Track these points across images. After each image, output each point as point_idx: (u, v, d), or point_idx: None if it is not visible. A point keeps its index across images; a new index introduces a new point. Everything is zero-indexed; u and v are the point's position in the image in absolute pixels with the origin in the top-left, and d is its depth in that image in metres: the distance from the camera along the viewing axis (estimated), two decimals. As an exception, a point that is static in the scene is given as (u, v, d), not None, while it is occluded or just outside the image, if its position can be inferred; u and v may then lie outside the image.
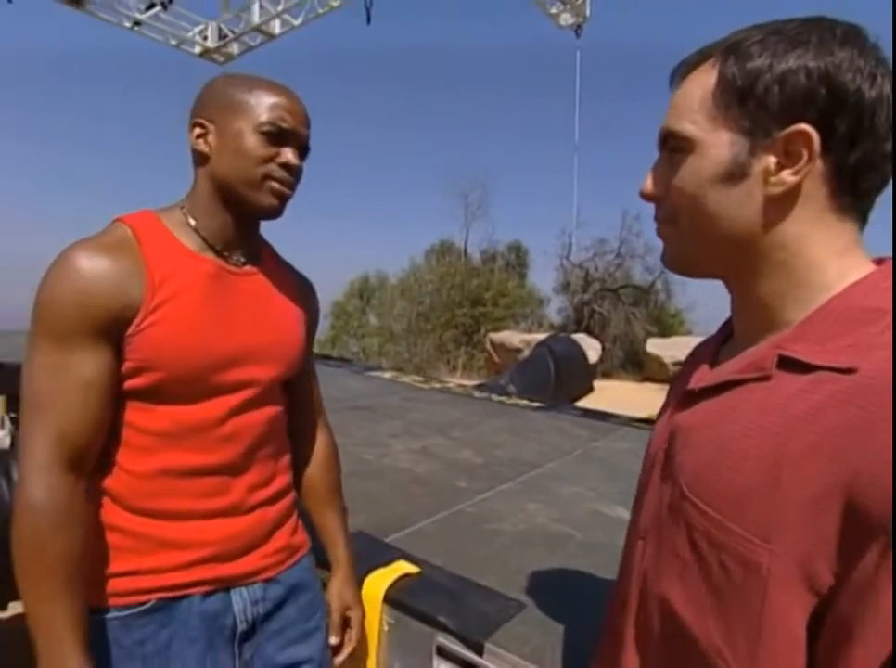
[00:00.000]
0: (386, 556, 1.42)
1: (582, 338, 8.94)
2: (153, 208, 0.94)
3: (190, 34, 6.01)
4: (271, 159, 0.89)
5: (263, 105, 0.88)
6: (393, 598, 1.25)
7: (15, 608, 2.17)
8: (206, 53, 6.13)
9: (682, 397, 0.61)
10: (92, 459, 0.86)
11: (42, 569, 0.79)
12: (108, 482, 0.89)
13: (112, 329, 0.83)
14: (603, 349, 11.04)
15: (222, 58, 6.29)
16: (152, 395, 0.88)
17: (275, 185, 0.90)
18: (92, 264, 0.82)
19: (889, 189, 0.53)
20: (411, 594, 1.26)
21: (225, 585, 0.95)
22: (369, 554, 1.41)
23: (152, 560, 0.89)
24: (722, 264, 0.58)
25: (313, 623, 1.06)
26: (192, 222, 0.93)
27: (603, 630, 0.72)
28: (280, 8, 5.35)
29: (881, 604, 0.41)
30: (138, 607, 0.88)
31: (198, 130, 0.91)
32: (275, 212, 0.94)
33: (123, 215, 0.91)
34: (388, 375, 4.93)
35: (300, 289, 1.08)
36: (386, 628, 1.24)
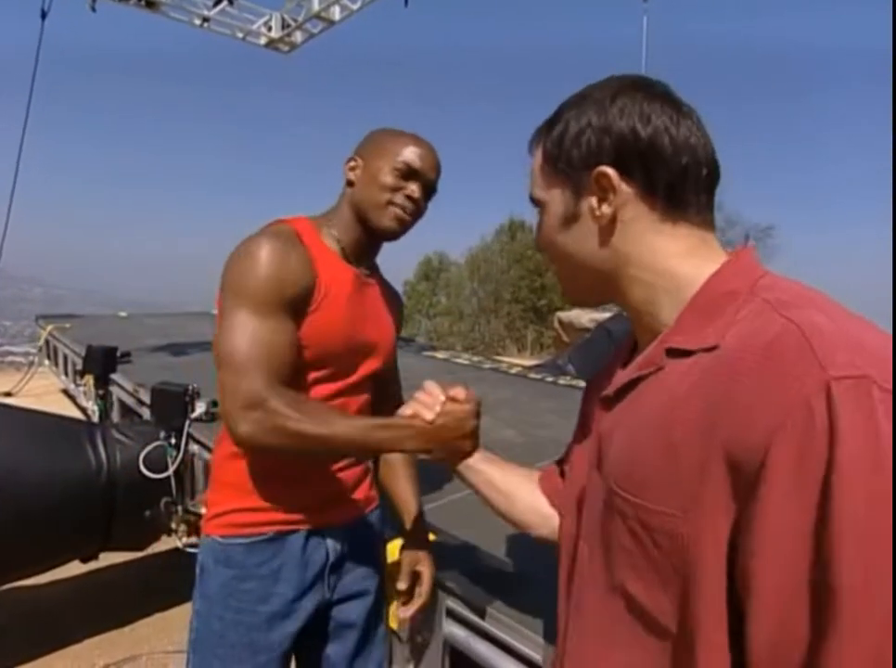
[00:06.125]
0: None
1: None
2: (305, 215, 1.14)
3: (255, 26, 6.17)
4: (398, 189, 1.08)
5: (402, 150, 1.09)
6: (411, 564, 1.36)
7: (107, 558, 2.48)
8: (271, 43, 6.24)
9: (602, 403, 0.67)
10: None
11: (321, 434, 0.94)
12: None
13: (300, 304, 1.03)
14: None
15: (286, 48, 6.37)
16: (300, 368, 1.05)
17: (396, 210, 1.09)
18: (285, 250, 1.02)
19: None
20: (427, 561, 1.37)
21: (322, 526, 1.16)
22: (393, 523, 1.53)
23: (272, 502, 1.10)
24: (598, 291, 0.68)
25: (378, 560, 1.28)
26: (335, 233, 1.13)
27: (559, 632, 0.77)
28: (338, -8, 5.42)
29: (765, 545, 0.45)
30: (259, 536, 1.10)
31: (351, 163, 1.13)
32: (393, 234, 1.12)
33: (285, 218, 1.12)
34: (446, 355, 5.05)
35: (394, 299, 1.30)
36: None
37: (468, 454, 0.93)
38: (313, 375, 1.09)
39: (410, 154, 1.09)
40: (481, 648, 1.23)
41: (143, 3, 5.46)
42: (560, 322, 10.34)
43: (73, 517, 2.14)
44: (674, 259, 0.61)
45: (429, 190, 1.13)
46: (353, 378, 1.15)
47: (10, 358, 8.89)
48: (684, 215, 0.61)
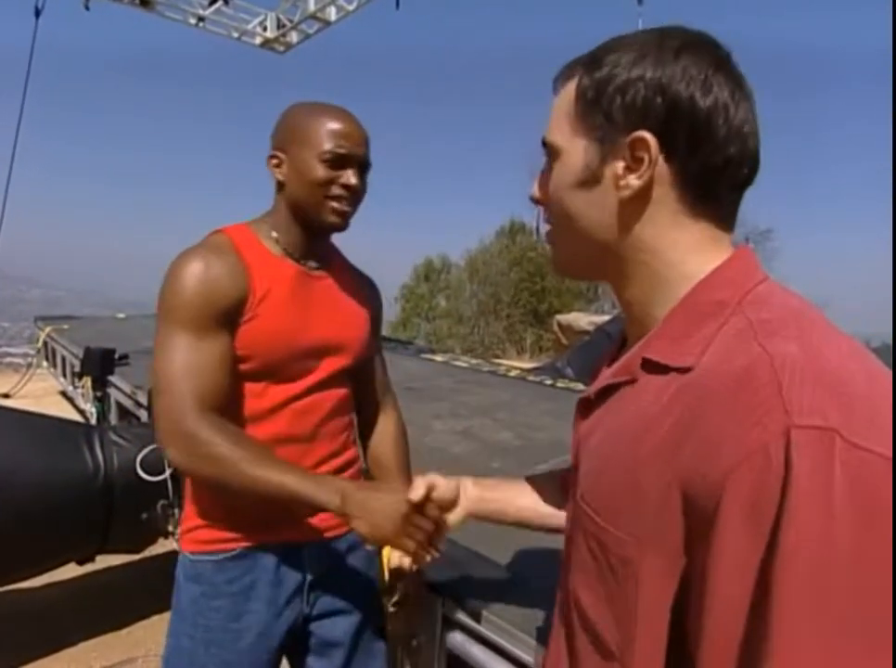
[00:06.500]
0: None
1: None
2: (246, 221, 1.12)
3: (250, 26, 6.13)
4: (332, 181, 1.02)
5: (324, 134, 1.01)
6: (407, 568, 1.36)
7: (103, 560, 2.47)
8: (266, 43, 6.20)
9: (581, 406, 0.64)
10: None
11: (250, 468, 0.91)
12: None
13: (232, 316, 1.00)
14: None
15: (282, 48, 6.32)
16: (248, 377, 1.04)
17: (335, 205, 1.04)
18: (210, 264, 0.99)
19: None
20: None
21: (299, 540, 1.10)
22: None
23: (240, 514, 1.05)
24: (594, 267, 0.60)
25: (368, 578, 1.21)
26: (274, 234, 1.09)
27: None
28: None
29: (713, 595, 0.43)
30: (229, 553, 1.06)
31: (274, 161, 1.07)
32: (337, 228, 1.08)
33: (222, 227, 1.09)
34: (445, 357, 5.05)
35: (363, 289, 1.22)
36: (401, 594, 1.35)
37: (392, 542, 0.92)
38: (265, 380, 1.05)
39: (333, 138, 1.01)
40: (479, 653, 1.22)
41: (137, 2, 5.44)
42: (559, 325, 10.35)
43: (71, 518, 2.14)
44: (682, 253, 0.54)
45: (364, 167, 1.06)
46: (314, 378, 1.10)
47: (8, 360, 8.86)
48: (712, 211, 0.54)
